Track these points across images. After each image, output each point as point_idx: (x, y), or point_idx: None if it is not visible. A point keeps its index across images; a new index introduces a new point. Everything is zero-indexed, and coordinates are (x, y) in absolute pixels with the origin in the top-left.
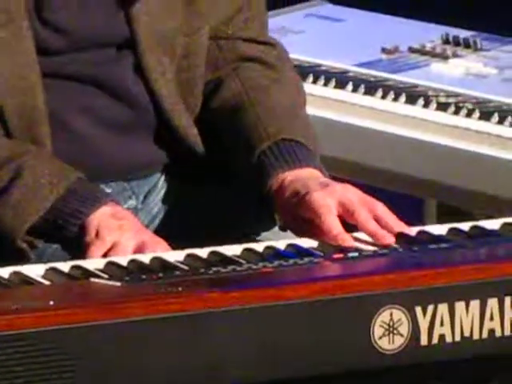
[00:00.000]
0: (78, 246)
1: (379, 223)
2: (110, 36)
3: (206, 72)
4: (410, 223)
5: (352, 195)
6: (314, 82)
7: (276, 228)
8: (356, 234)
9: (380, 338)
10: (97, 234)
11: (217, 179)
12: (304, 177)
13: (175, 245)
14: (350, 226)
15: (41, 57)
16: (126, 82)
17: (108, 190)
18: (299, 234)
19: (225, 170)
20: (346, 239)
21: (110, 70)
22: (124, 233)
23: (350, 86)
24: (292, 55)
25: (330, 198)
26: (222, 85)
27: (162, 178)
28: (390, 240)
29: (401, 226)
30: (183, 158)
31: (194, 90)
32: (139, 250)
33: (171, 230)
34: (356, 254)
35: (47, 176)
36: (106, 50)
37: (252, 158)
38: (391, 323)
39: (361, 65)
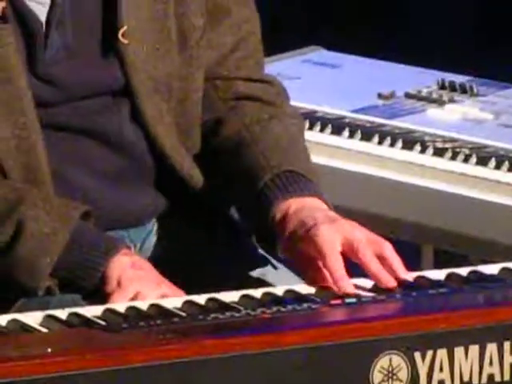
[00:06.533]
0: (95, 294)
1: (383, 264)
2: (105, 85)
3: (203, 112)
4: (407, 269)
5: (359, 233)
6: (311, 128)
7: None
8: (356, 280)
9: (379, 383)
10: (119, 284)
11: (219, 220)
12: (310, 206)
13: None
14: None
15: (38, 109)
16: (122, 130)
17: None
18: (299, 268)
19: (226, 208)
20: (346, 286)
21: (105, 118)
22: (145, 283)
23: (346, 132)
24: None
25: (336, 234)
26: (222, 124)
27: (156, 224)
28: (392, 284)
29: (404, 271)
30: (184, 201)
31: (191, 134)
32: None
33: (168, 274)
34: (354, 300)
35: (49, 223)
36: (102, 99)
37: (254, 192)
38: (390, 369)
39: (357, 110)
